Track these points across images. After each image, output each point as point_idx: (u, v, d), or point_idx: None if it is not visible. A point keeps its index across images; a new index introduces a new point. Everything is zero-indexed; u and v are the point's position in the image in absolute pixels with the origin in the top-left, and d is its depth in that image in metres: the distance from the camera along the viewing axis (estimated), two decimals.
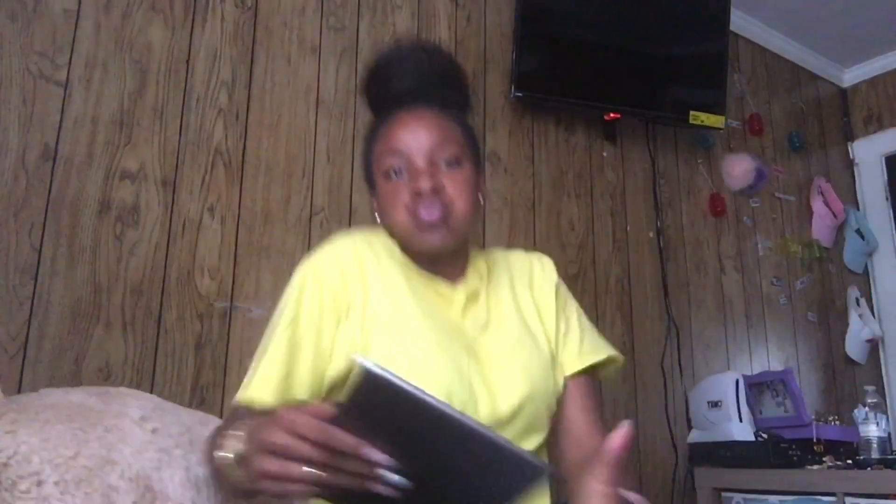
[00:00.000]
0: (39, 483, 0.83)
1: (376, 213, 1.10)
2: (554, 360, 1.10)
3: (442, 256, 1.07)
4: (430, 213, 1.00)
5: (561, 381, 1.10)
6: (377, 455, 0.65)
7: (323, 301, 1.01)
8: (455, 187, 1.03)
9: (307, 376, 0.98)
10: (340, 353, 1.00)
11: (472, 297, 1.08)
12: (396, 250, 1.09)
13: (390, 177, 1.04)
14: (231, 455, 0.77)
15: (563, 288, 1.19)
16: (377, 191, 1.08)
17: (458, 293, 1.08)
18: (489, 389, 1.00)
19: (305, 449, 0.65)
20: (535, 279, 1.17)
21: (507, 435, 0.97)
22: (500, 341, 1.06)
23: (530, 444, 1.03)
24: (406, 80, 1.08)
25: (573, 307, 1.19)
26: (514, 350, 1.06)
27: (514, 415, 1.00)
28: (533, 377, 1.04)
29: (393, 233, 1.07)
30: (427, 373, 0.95)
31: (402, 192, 1.02)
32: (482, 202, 1.12)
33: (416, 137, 1.03)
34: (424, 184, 1.00)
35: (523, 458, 0.70)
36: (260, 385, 0.96)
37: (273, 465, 0.67)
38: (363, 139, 1.14)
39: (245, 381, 0.99)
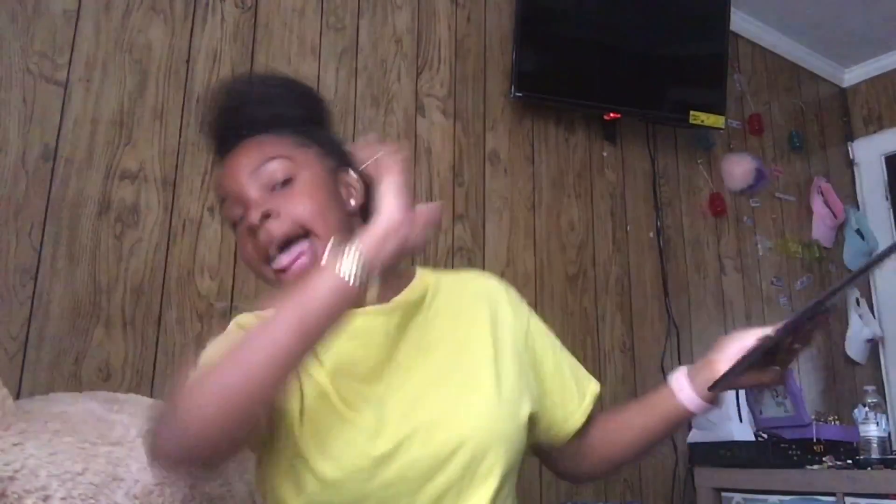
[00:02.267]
0: (46, 498, 0.83)
1: None
2: (520, 399, 0.92)
3: None
4: (279, 270, 0.87)
5: (525, 421, 0.92)
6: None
7: None
8: (289, 201, 0.87)
9: None
10: None
11: (409, 312, 0.94)
12: None
13: (235, 227, 0.92)
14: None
15: (535, 318, 1.03)
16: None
17: (388, 312, 0.92)
18: (423, 426, 0.84)
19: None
20: (499, 311, 0.99)
21: (445, 478, 0.83)
22: (440, 367, 0.90)
23: (479, 494, 0.84)
24: (223, 120, 0.96)
25: (549, 339, 1.04)
26: (455, 377, 0.90)
27: (452, 454, 0.83)
28: (480, 411, 0.87)
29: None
30: (344, 451, 0.82)
31: (247, 237, 0.89)
32: (356, 193, 0.95)
33: (233, 178, 0.90)
34: (252, 217, 0.86)
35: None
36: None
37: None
38: None
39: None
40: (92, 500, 0.87)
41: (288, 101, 0.97)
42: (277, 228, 0.86)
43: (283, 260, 0.87)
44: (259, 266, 0.89)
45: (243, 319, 0.95)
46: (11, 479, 0.82)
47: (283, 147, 0.91)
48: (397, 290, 0.94)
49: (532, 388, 0.96)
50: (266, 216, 0.86)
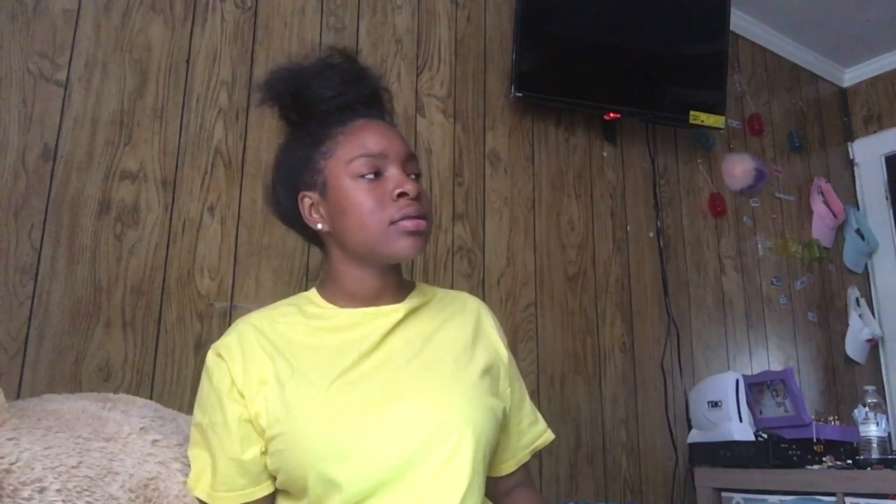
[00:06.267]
0: (42, 490, 0.84)
1: (321, 219, 1.06)
2: (484, 388, 1.06)
3: (391, 270, 1.08)
4: (416, 222, 1.01)
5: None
6: None
7: (232, 378, 0.99)
8: (422, 193, 1.05)
9: (237, 453, 0.97)
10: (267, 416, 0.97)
11: (407, 316, 1.07)
12: (312, 304, 1.08)
13: (366, 179, 1.02)
14: None
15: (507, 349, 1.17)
16: (341, 194, 1.03)
17: (391, 312, 1.06)
18: (380, 436, 0.95)
19: None
20: (482, 324, 1.15)
21: (420, 475, 0.94)
22: (422, 360, 1.03)
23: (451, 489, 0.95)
24: (343, 89, 1.08)
25: (517, 371, 1.18)
26: (433, 369, 1.03)
27: (416, 458, 0.95)
28: (448, 412, 0.98)
29: (356, 237, 1.03)
30: (308, 447, 0.94)
31: (378, 194, 1.02)
32: None
33: (392, 144, 1.05)
34: (411, 188, 1.02)
35: None
36: (195, 483, 0.99)
37: None
38: (294, 145, 1.10)
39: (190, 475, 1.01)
40: (87, 493, 0.87)
41: (388, 92, 1.17)
42: (421, 207, 1.04)
43: (420, 222, 1.03)
44: (381, 217, 1.02)
45: (222, 344, 1.03)
46: (7, 471, 0.83)
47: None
48: (399, 298, 1.10)
49: (503, 396, 1.11)
50: (417, 195, 1.03)
